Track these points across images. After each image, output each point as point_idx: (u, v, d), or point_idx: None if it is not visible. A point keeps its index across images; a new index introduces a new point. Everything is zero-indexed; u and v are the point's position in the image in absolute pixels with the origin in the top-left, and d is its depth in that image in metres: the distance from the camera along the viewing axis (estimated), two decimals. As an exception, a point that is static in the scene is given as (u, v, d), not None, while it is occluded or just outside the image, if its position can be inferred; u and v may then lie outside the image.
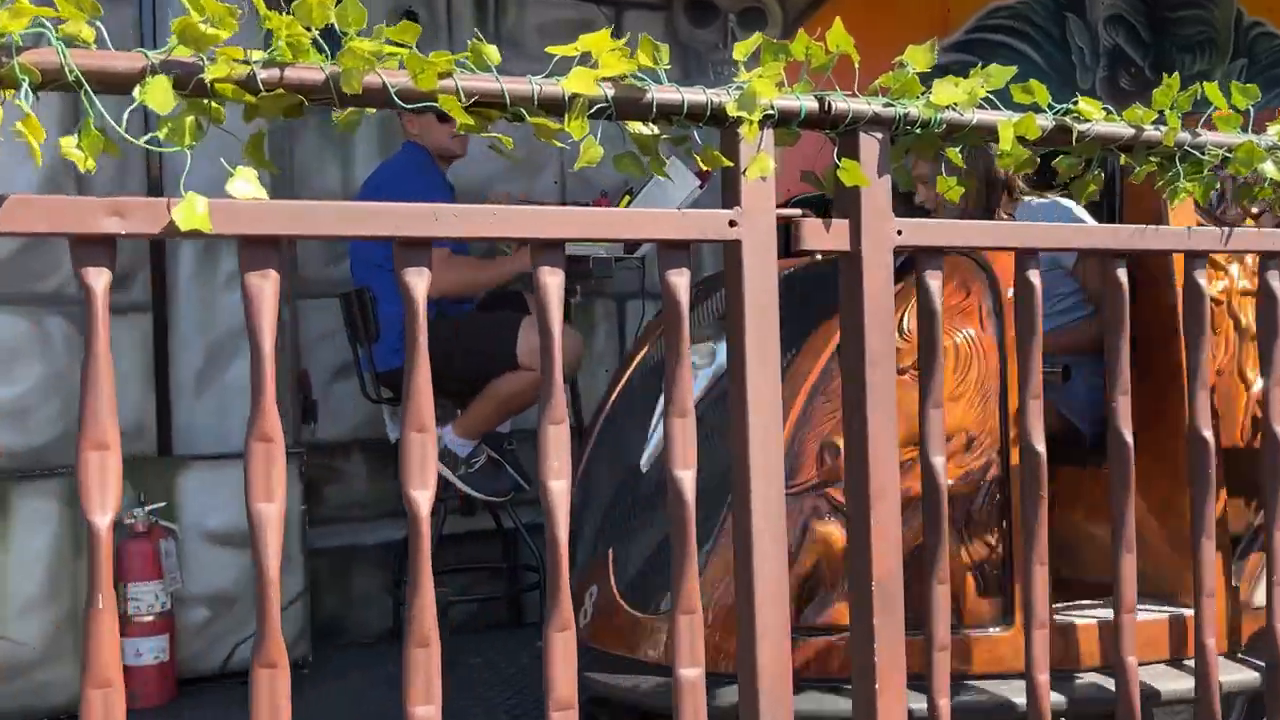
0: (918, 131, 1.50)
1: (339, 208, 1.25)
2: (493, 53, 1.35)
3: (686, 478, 1.43)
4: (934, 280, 1.55)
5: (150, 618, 3.23)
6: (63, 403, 3.19)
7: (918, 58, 1.47)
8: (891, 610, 1.49)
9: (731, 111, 1.38)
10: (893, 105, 1.48)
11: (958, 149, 1.59)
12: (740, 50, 1.41)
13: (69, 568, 3.18)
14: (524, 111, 1.33)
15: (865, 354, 1.49)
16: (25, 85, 1.10)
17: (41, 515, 3.15)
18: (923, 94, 1.48)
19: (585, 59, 1.34)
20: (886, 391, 1.49)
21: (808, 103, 1.45)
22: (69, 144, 1.14)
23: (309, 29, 1.22)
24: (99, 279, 1.17)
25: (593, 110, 1.35)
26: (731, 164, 1.43)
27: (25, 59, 1.10)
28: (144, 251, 3.41)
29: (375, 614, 3.80)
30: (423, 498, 1.31)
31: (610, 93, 1.35)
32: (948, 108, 1.49)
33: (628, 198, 3.76)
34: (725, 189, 1.47)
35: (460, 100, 1.29)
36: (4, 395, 3.27)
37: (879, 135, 1.49)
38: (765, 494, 1.44)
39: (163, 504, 3.29)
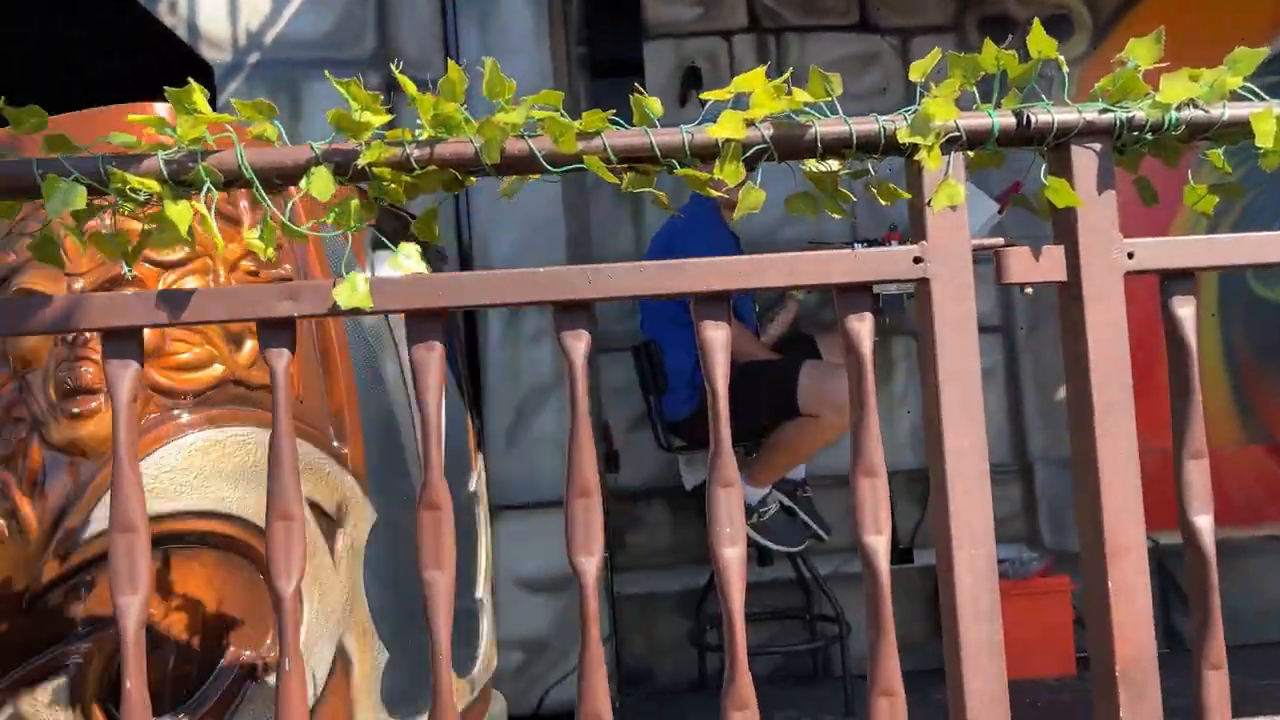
0: (1148, 137, 1.27)
1: (485, 278, 1.27)
2: (655, 104, 1.32)
3: (879, 544, 1.29)
4: (1184, 308, 1.30)
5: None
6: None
7: (1141, 52, 1.25)
8: (1142, 701, 1.25)
9: (904, 138, 1.25)
10: (1111, 110, 1.27)
11: (1219, 150, 1.33)
12: (916, 71, 1.27)
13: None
14: (675, 163, 1.28)
15: (1093, 400, 1.27)
16: (207, 185, 1.21)
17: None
18: (1148, 94, 1.25)
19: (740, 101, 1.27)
20: (1122, 440, 1.26)
21: (1001, 119, 1.27)
22: (251, 236, 1.24)
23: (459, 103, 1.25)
24: (280, 360, 1.26)
25: (749, 153, 1.27)
26: (911, 195, 1.29)
27: (210, 162, 1.22)
28: (457, 316, 3.69)
29: (680, 662, 3.82)
30: (589, 564, 1.28)
31: (768, 133, 1.26)
32: (1185, 104, 1.25)
33: (919, 230, 3.55)
34: (910, 223, 1.33)
35: (610, 158, 1.27)
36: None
37: (1096, 146, 1.28)
38: (973, 555, 1.27)
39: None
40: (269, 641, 1.47)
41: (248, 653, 1.47)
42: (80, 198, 1.15)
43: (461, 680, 2.00)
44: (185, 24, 3.32)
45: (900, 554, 3.95)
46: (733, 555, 1.28)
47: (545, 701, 3.52)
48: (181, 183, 1.22)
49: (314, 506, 1.45)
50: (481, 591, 2.20)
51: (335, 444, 1.64)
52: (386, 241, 1.28)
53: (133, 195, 1.19)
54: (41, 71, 5.17)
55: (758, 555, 3.54)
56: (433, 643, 1.26)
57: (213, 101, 3.53)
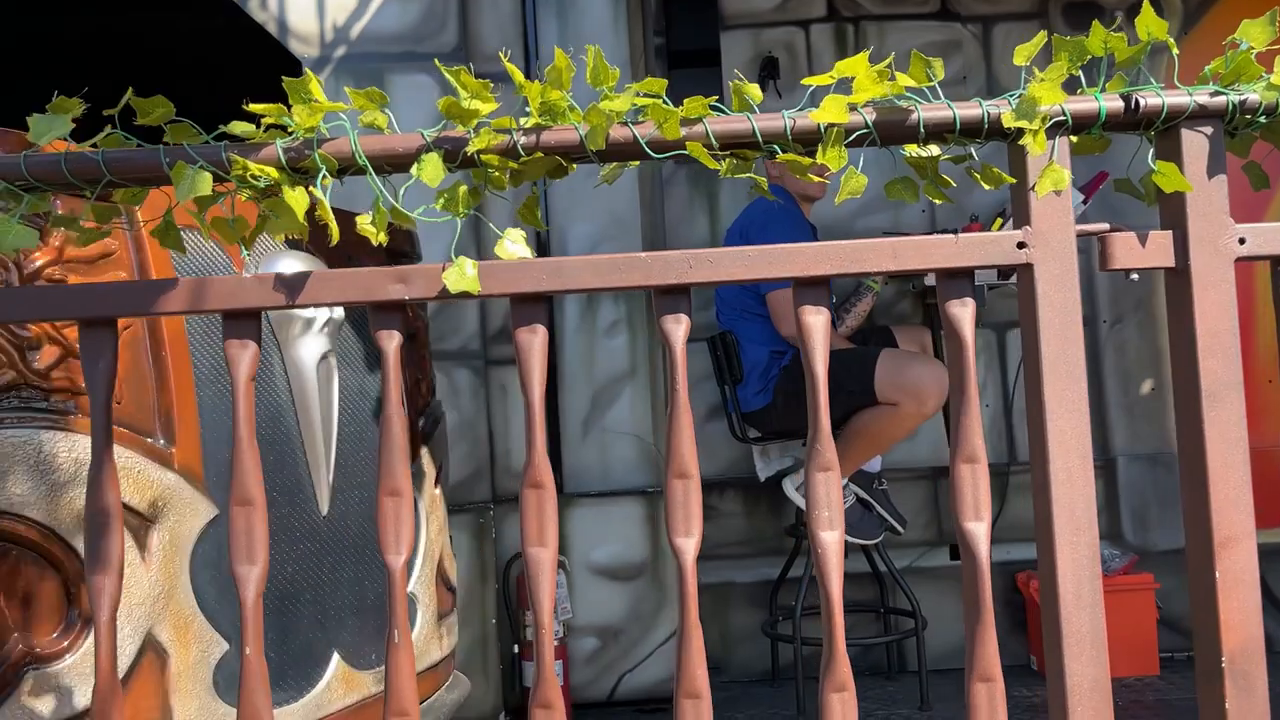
0: (1261, 120, 1.25)
1: (591, 262, 1.29)
2: (755, 91, 1.33)
3: (980, 530, 1.29)
4: (1302, 297, 1.27)
5: (546, 644, 3.49)
6: (469, 446, 3.57)
7: (1254, 34, 1.22)
8: (1251, 694, 1.23)
9: (1009, 122, 1.24)
10: (1223, 93, 1.25)
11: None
12: (1020, 54, 1.27)
13: (479, 593, 3.53)
14: (777, 148, 1.29)
15: (1201, 388, 1.25)
16: (323, 172, 1.25)
17: (456, 545, 3.54)
18: (1262, 76, 1.23)
19: (843, 85, 1.28)
20: (1231, 428, 1.25)
21: (1109, 103, 1.26)
22: (364, 221, 1.28)
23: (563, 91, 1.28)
24: (390, 341, 1.30)
25: (852, 138, 1.27)
26: (1016, 180, 1.28)
27: (325, 150, 1.26)
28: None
29: (752, 652, 3.83)
30: (688, 544, 1.29)
31: (870, 117, 1.27)
32: (1303, 85, 1.23)
33: (1000, 220, 3.52)
34: (1014, 207, 1.32)
35: (712, 144, 1.28)
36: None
37: (1207, 130, 1.26)
38: (1074, 543, 1.26)
39: (552, 538, 3.56)
40: (54, 635, 1.53)
41: (23, 646, 1.51)
42: (206, 184, 1.19)
43: (365, 673, 2.03)
44: (276, 20, 3.40)
45: (958, 550, 3.91)
46: (831, 539, 1.29)
47: (619, 688, 3.56)
48: (298, 169, 1.25)
49: (125, 506, 1.47)
50: (415, 585, 2.23)
51: (160, 443, 1.68)
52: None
53: (253, 181, 1.23)
54: (129, 66, 5.32)
55: (832, 547, 3.53)
56: (536, 616, 1.29)
57: (301, 95, 3.55)
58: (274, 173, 1.23)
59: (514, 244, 1.31)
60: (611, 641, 3.59)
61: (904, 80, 1.27)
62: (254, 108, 1.24)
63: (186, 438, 1.71)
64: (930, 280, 3.49)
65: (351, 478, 2.06)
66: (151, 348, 1.68)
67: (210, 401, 1.77)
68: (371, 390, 2.14)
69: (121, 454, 1.59)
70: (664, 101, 1.28)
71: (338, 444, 2.02)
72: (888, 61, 1.28)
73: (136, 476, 1.63)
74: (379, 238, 1.28)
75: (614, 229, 3.62)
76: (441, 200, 1.29)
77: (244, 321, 1.27)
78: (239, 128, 1.23)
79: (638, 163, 1.36)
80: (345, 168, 1.27)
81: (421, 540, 2.27)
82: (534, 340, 1.30)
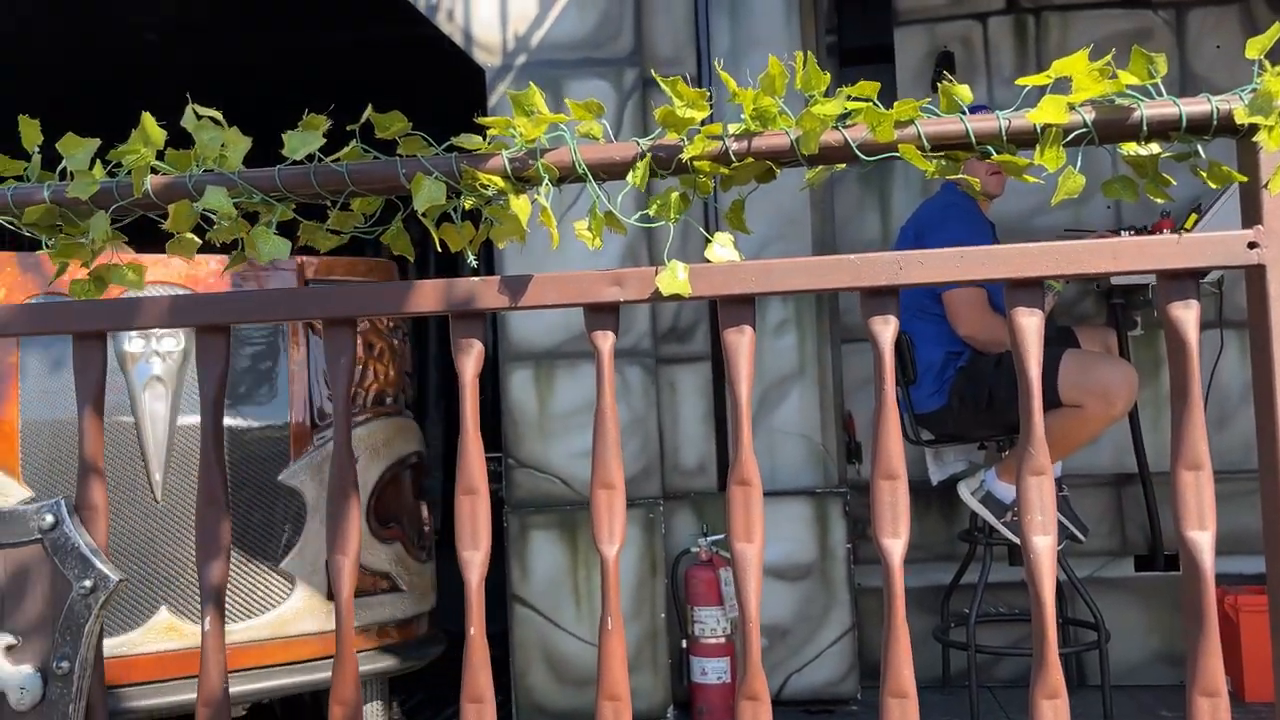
0: None
1: (800, 264, 1.31)
2: (964, 92, 1.32)
3: (1204, 540, 1.25)
4: None
5: (714, 640, 3.53)
6: (639, 443, 3.64)
7: None
8: None
9: (1241, 118, 1.20)
10: None
11: None
12: (1253, 47, 1.22)
13: (649, 587, 3.60)
14: (992, 149, 1.28)
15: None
16: (545, 181, 1.32)
17: (627, 539, 3.62)
18: None
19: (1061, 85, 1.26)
20: None
21: (1354, 94, 1.20)
22: (580, 227, 1.34)
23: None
24: (605, 341, 1.35)
25: (1070, 138, 1.26)
26: (1247, 179, 1.23)
27: (547, 159, 1.32)
28: (704, 306, 3.78)
29: (923, 658, 3.75)
30: (895, 545, 1.30)
31: (1089, 116, 1.25)
32: None
33: (1194, 217, 3.35)
34: (1244, 206, 1.27)
35: (924, 146, 1.29)
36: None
37: None
38: (1310, 563, 1.21)
39: (721, 536, 3.59)
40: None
41: None
42: (442, 193, 1.28)
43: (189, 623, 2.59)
44: (461, 31, 3.54)
45: (1143, 561, 3.75)
46: (1044, 545, 1.27)
47: (786, 688, 3.56)
48: (522, 179, 1.32)
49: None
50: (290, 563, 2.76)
51: None
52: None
53: (481, 190, 1.31)
54: (313, 79, 5.64)
55: (1009, 554, 3.45)
56: (743, 611, 1.32)
57: (483, 103, 3.74)
58: (500, 182, 1.31)
59: (722, 248, 1.35)
60: (779, 641, 3.60)
61: (1125, 78, 1.25)
62: (483, 120, 1.32)
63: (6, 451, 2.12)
64: (1123, 280, 3.36)
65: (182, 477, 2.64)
66: None
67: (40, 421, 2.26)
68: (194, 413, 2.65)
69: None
70: (875, 104, 1.29)
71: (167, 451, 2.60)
72: (1107, 59, 1.26)
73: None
74: (595, 243, 1.34)
75: (784, 228, 3.62)
76: (655, 205, 1.34)
77: (470, 322, 1.35)
78: (470, 141, 1.31)
79: (843, 165, 1.37)
80: (564, 176, 1.33)
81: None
82: (742, 341, 1.34)
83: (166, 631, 2.54)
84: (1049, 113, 1.23)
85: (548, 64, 3.50)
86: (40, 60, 5.29)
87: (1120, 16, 3.76)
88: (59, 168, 1.32)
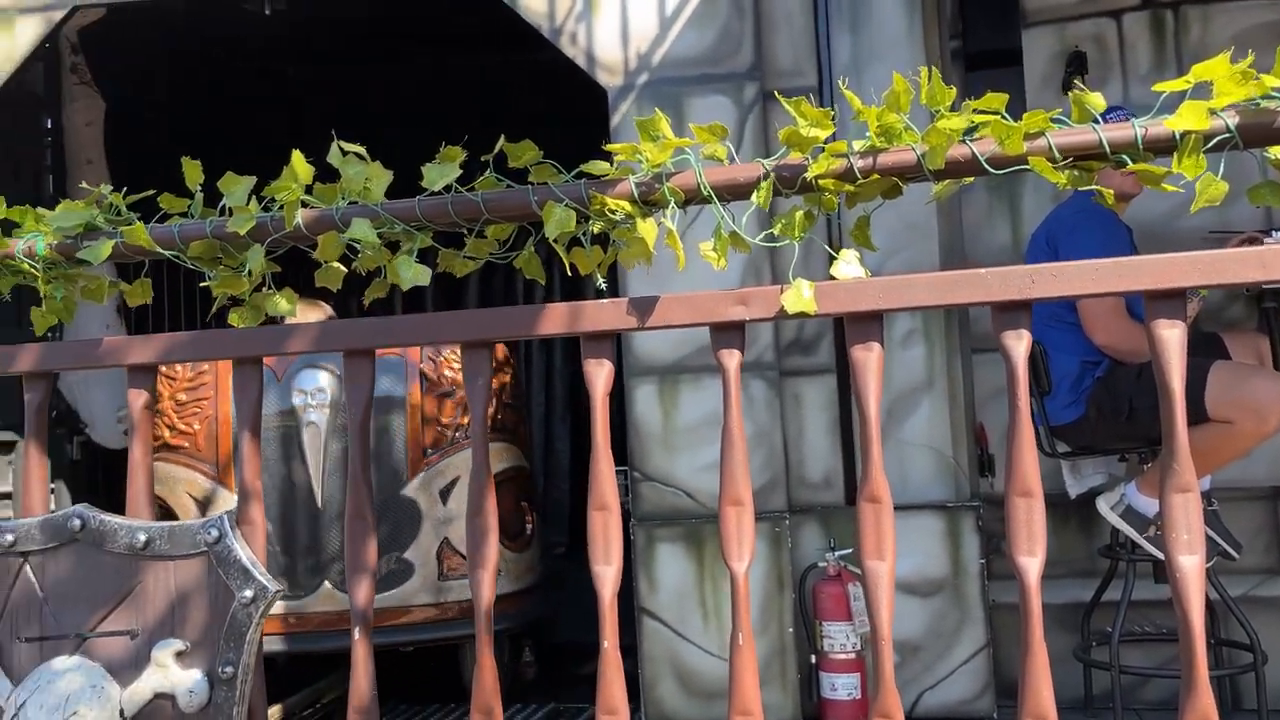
0: None
1: (928, 280, 1.30)
2: (1097, 100, 1.30)
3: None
4: None
5: (843, 656, 3.49)
6: (764, 456, 3.63)
7: None
8: None
9: (1403, 117, 1.14)
10: None
11: None
12: None
13: (776, 602, 3.58)
14: (1127, 158, 1.25)
15: None
16: (671, 204, 1.35)
17: (755, 554, 3.61)
18: None
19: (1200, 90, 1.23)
20: None
21: None
22: (706, 248, 1.36)
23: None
24: (731, 359, 1.37)
25: (1211, 144, 1.22)
26: None
27: (673, 183, 1.35)
28: (829, 319, 3.75)
29: (1061, 678, 3.62)
30: (1032, 564, 1.28)
31: (1232, 121, 1.21)
32: None
33: (1354, 216, 3.17)
34: (1405, 209, 1.21)
35: (1055, 157, 1.27)
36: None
37: None
38: None
39: (849, 550, 3.55)
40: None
41: None
42: (572, 220, 1.32)
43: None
44: (584, 54, 3.62)
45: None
46: (1191, 564, 1.23)
47: (919, 705, 3.49)
48: (648, 202, 1.36)
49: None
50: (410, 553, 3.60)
51: None
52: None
53: (610, 215, 1.35)
54: (436, 107, 5.83)
55: (1154, 570, 3.31)
56: (875, 628, 1.32)
57: (606, 123, 3.81)
58: (628, 206, 1.34)
59: (848, 265, 1.35)
60: (911, 657, 3.53)
61: (1270, 80, 1.20)
62: (610, 147, 1.36)
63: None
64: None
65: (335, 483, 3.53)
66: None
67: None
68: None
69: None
70: (1003, 117, 1.27)
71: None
72: (1248, 61, 1.22)
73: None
74: (720, 263, 1.36)
75: (909, 238, 3.57)
76: (780, 225, 1.35)
77: (600, 342, 1.39)
78: (599, 167, 1.35)
79: (971, 179, 1.36)
80: (690, 198, 1.36)
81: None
82: (870, 358, 1.34)
83: (328, 598, 3.46)
84: (1189, 119, 1.20)
85: (668, 81, 3.54)
86: (183, 95, 5.62)
87: (1264, 8, 3.59)
88: (220, 204, 1.42)
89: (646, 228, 1.33)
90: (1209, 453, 3.01)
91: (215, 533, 1.39)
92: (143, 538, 1.42)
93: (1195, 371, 3.01)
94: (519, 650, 4.16)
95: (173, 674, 1.38)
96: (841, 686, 3.47)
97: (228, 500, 3.38)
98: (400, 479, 3.57)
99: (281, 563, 3.42)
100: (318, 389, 3.51)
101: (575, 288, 6.46)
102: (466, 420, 3.56)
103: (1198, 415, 2.97)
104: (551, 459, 6.68)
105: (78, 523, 1.47)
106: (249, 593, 1.37)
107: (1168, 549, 1.22)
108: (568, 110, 4.77)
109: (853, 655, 3.44)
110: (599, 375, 1.38)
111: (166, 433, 3.58)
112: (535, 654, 4.28)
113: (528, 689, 4.00)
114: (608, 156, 1.41)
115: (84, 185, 1.67)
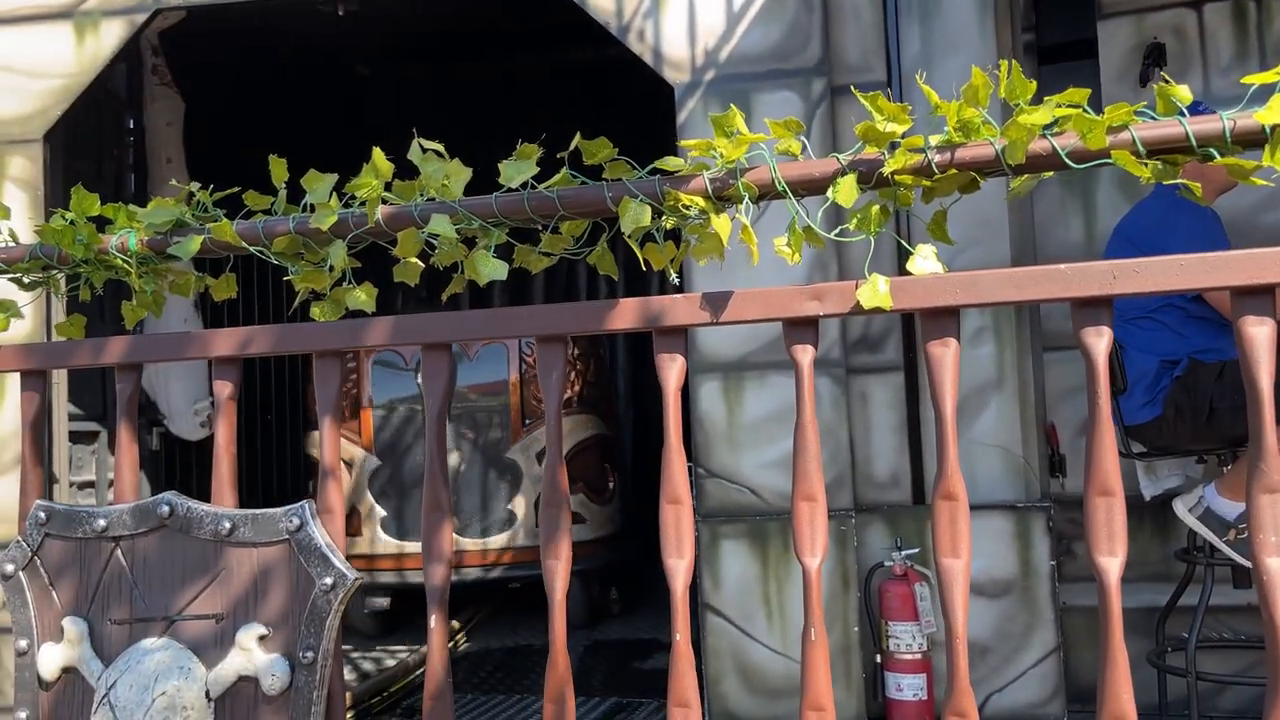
0: None
1: (1007, 275, 1.29)
2: (1182, 93, 1.27)
3: None
4: None
5: (909, 656, 3.46)
6: (830, 454, 3.61)
7: None
8: None
9: None
10: None
11: None
12: None
13: (841, 600, 3.56)
14: (1214, 151, 1.22)
15: None
16: (745, 200, 1.35)
17: (817, 552, 3.59)
18: None
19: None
20: None
21: None
22: (780, 243, 1.36)
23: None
24: (805, 355, 1.37)
25: (1303, 136, 1.19)
26: None
27: (747, 178, 1.36)
28: (895, 315, 3.71)
29: (1136, 683, 3.56)
30: (1112, 564, 1.26)
31: (1327, 113, 1.18)
32: None
33: None
34: None
35: (1139, 151, 1.24)
36: (786, 448, 3.81)
37: None
38: None
39: (916, 550, 3.52)
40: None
41: None
42: (647, 215, 1.33)
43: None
44: (651, 51, 3.63)
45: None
46: (1277, 567, 1.20)
47: (987, 707, 3.45)
48: (722, 198, 1.36)
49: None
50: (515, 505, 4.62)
51: None
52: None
53: (684, 211, 1.35)
54: (505, 104, 5.88)
55: (1233, 576, 3.22)
56: (950, 627, 1.31)
57: (673, 120, 3.81)
58: (702, 202, 1.35)
59: (925, 260, 1.34)
60: (978, 659, 3.49)
61: (1367, 70, 1.17)
62: (685, 143, 1.36)
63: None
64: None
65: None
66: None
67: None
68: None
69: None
70: (1085, 110, 1.26)
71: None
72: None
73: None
74: (794, 258, 1.36)
75: (980, 232, 3.52)
76: (855, 220, 1.35)
77: (673, 337, 1.39)
78: (673, 163, 1.36)
79: (1050, 173, 1.34)
80: (764, 194, 1.36)
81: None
82: (946, 354, 1.33)
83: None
84: (1279, 112, 1.17)
85: (736, 77, 3.53)
86: (256, 93, 5.74)
87: (1355, -4, 3.47)
88: (303, 201, 1.45)
89: (721, 223, 1.33)
90: (1293, 454, 2.93)
91: (297, 521, 1.42)
92: (228, 525, 1.47)
93: None
94: (607, 589, 4.99)
95: (255, 657, 1.42)
96: (908, 687, 3.44)
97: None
98: (505, 444, 4.59)
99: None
100: None
101: (638, 284, 6.48)
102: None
103: (1283, 415, 2.89)
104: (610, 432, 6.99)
105: (166, 509, 1.52)
106: (329, 580, 1.40)
107: (1254, 551, 1.19)
108: (636, 106, 4.81)
109: (919, 655, 3.41)
110: (671, 370, 1.38)
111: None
112: (620, 594, 5.06)
113: (590, 681, 4.32)
114: (663, 152, 1.42)
115: (174, 183, 1.72)
